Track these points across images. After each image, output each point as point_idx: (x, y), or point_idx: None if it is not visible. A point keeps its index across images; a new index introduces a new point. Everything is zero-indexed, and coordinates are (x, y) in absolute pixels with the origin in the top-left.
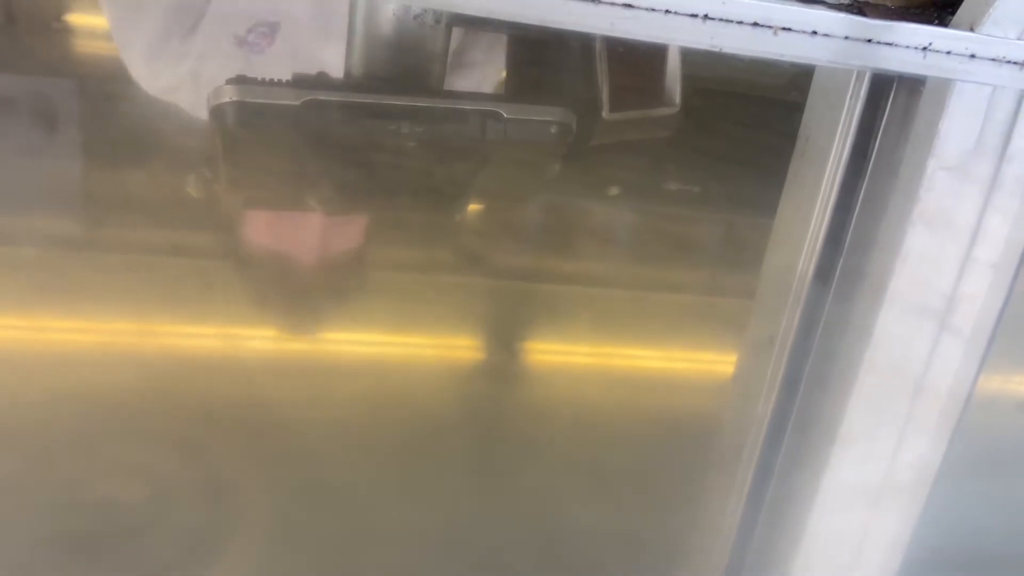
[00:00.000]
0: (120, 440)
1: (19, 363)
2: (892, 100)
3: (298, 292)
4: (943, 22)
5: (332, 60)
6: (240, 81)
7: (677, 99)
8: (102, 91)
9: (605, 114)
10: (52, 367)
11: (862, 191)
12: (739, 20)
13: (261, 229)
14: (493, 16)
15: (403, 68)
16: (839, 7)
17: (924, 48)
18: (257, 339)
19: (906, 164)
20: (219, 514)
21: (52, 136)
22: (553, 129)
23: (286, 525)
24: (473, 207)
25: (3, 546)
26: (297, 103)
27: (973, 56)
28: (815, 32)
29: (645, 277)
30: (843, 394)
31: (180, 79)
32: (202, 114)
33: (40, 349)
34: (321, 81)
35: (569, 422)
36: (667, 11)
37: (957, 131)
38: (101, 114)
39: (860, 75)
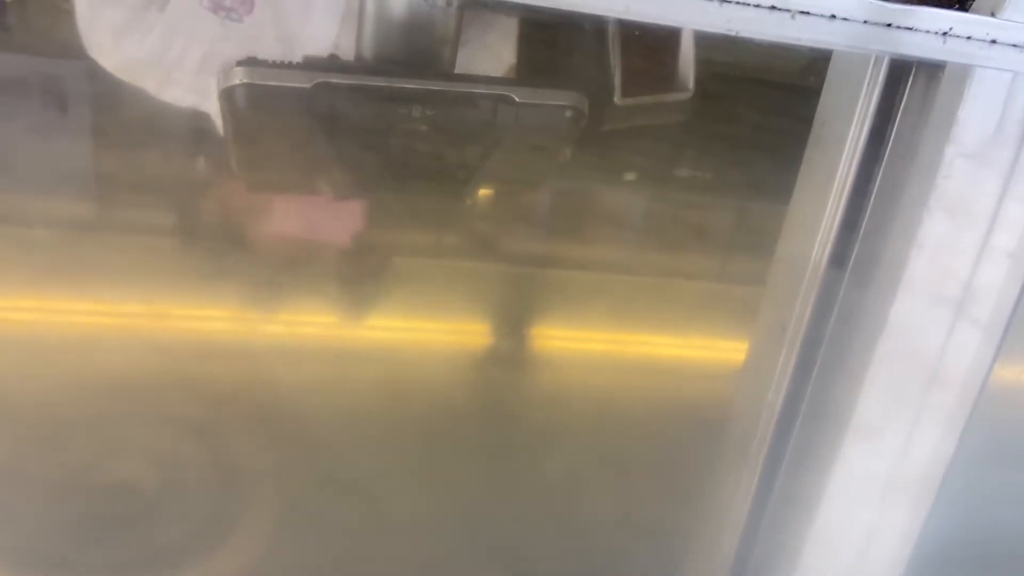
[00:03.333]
0: (132, 423)
1: (31, 345)
2: (910, 86)
3: (311, 277)
4: (964, 7)
5: (317, 32)
6: (250, 63)
7: (691, 84)
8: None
9: (617, 99)
10: (64, 350)
11: (878, 178)
12: (756, 3)
13: (279, 216)
14: None
15: (414, 51)
16: None
17: (944, 33)
18: (271, 324)
19: (924, 151)
20: (231, 498)
21: (63, 117)
22: (565, 114)
23: (298, 510)
24: (484, 192)
25: (16, 525)
26: (308, 86)
27: (994, 42)
28: (833, 16)
29: (658, 264)
30: (855, 383)
31: (147, 51)
32: (165, 94)
33: (52, 332)
34: (332, 64)
35: (581, 409)
36: None
37: (976, 118)
38: (112, 95)
39: (878, 60)
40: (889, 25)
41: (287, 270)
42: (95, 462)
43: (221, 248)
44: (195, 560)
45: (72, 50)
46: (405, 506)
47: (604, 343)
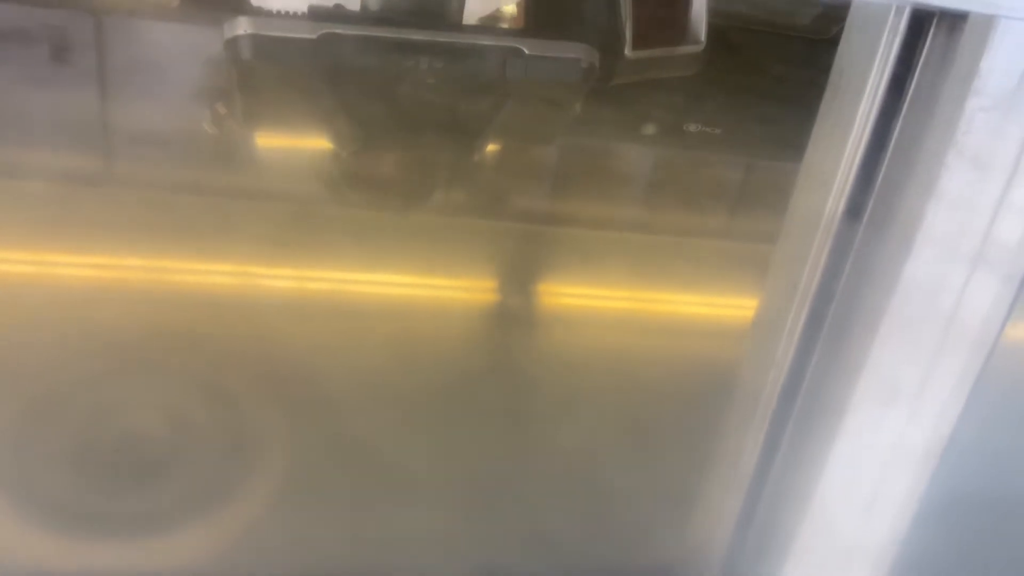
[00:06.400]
0: (134, 377)
1: (31, 298)
2: (932, 36)
3: (320, 232)
4: None
5: None
6: (256, 13)
7: (702, 36)
8: (115, 23)
9: (628, 51)
10: (64, 303)
11: (897, 130)
12: None
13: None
14: None
15: (422, 1)
16: None
17: None
18: (277, 279)
19: (944, 103)
20: (235, 453)
21: (65, 68)
22: (575, 67)
23: (305, 468)
24: (492, 147)
25: (20, 477)
26: (313, 36)
27: None
28: None
29: (667, 221)
30: (866, 342)
31: None
32: None
33: (52, 284)
34: (338, 14)
35: (590, 366)
36: None
37: (999, 70)
38: (114, 46)
39: (899, 9)
40: None
41: (294, 224)
42: (96, 417)
43: (225, 201)
44: (202, 516)
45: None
46: (416, 464)
47: (610, 300)
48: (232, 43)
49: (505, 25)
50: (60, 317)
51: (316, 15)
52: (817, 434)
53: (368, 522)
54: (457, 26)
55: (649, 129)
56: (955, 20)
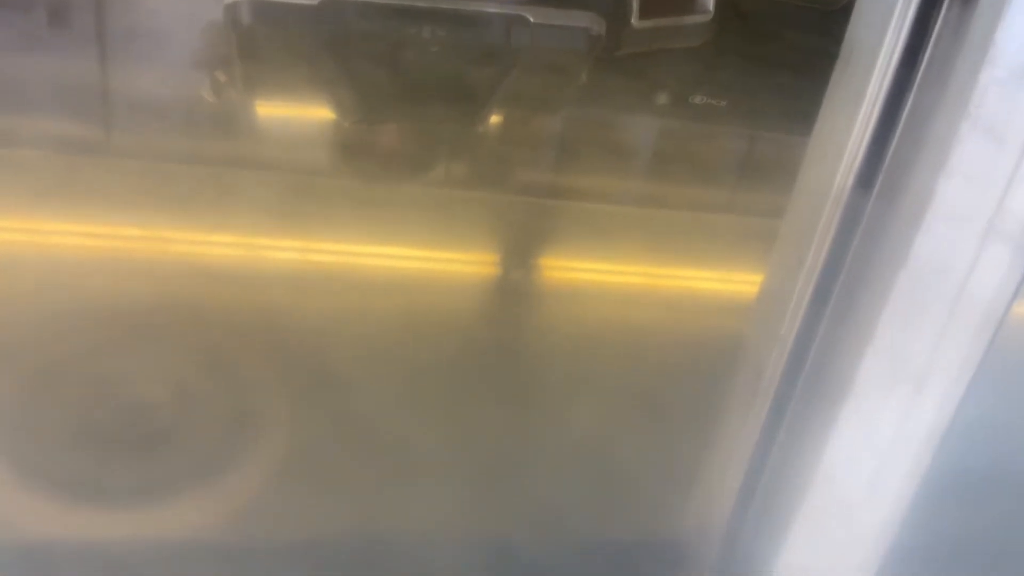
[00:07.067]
0: (130, 348)
1: (27, 267)
2: (946, 6)
3: (323, 202)
4: None
5: None
6: None
7: (711, 6)
8: None
9: (635, 21)
10: (61, 272)
11: (909, 102)
12: None
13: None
14: None
15: None
16: None
17: None
18: (278, 251)
19: (958, 74)
20: (234, 427)
21: (63, 33)
22: (581, 35)
23: (303, 439)
24: (496, 117)
25: (22, 448)
26: (315, 2)
27: None
28: None
29: (674, 194)
30: (872, 318)
31: None
32: None
33: (48, 254)
34: None
35: (590, 340)
36: None
37: (1014, 40)
38: (113, 11)
39: None
40: None
41: (295, 195)
42: (96, 387)
43: (225, 171)
44: (200, 492)
45: None
46: (419, 439)
47: (615, 275)
48: (232, 8)
49: None
50: (57, 286)
51: None
52: (821, 412)
53: (375, 498)
54: None
55: (658, 99)
56: None
